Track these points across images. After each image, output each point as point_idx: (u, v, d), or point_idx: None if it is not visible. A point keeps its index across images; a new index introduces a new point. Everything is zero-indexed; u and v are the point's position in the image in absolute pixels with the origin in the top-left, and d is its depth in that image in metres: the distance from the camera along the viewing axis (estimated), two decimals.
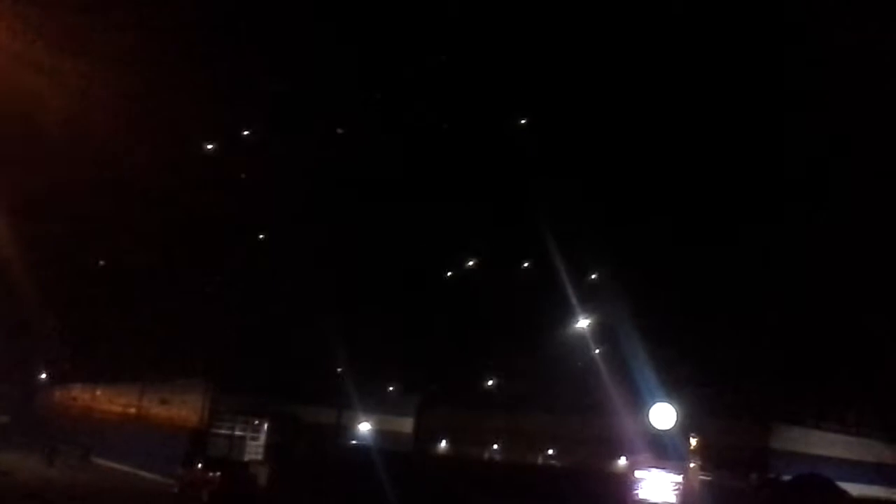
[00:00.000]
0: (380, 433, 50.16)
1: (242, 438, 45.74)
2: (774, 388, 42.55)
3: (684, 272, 47.49)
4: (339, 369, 45.60)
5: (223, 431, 46.22)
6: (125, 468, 47.92)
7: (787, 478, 36.86)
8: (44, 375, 75.63)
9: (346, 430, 48.11)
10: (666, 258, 48.42)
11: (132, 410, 58.39)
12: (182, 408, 50.79)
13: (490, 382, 48.66)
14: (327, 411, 46.38)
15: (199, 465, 37.24)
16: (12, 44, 31.15)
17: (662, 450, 33.50)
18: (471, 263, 47.67)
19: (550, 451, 48.77)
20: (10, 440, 49.58)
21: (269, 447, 44.31)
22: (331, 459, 41.07)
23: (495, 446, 51.12)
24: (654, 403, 32.73)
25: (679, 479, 31.61)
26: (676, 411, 32.28)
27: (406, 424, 53.33)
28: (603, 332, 43.15)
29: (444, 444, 53.03)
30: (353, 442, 48.56)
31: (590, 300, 43.50)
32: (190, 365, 49.64)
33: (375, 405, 50.94)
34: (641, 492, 32.57)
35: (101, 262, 56.13)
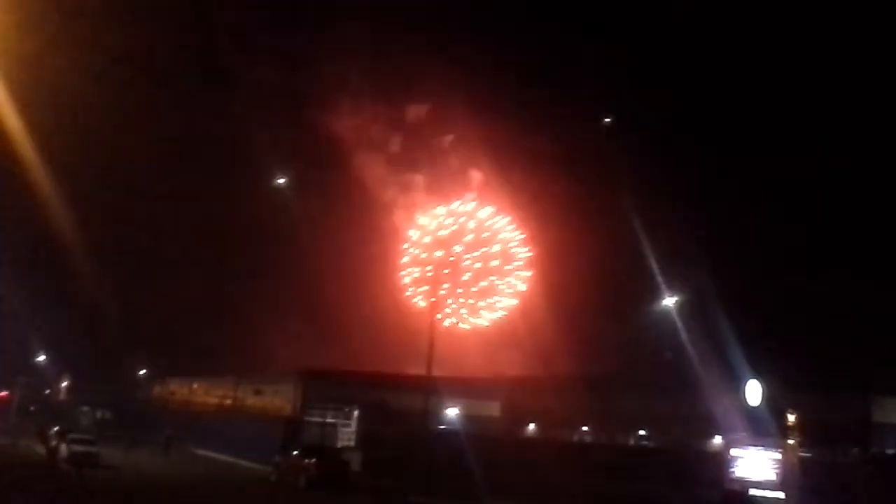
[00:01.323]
0: (468, 417, 50.31)
1: (334, 426, 46.46)
2: (873, 359, 41.02)
3: (776, 244, 46.28)
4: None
5: (316, 420, 47.06)
6: (224, 458, 49.25)
7: (890, 452, 35.57)
8: (143, 372, 78.47)
9: (435, 415, 48.36)
10: (756, 231, 47.32)
11: (228, 402, 59.98)
12: (275, 398, 51.94)
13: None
14: (415, 397, 46.68)
15: (295, 453, 38.05)
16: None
17: (758, 427, 32.72)
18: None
19: (642, 432, 48.14)
20: (113, 435, 51.38)
21: (361, 434, 44.91)
22: (420, 444, 41.38)
23: (585, 428, 50.72)
24: (747, 380, 32.03)
25: (777, 456, 30.85)
26: (763, 387, 31.47)
27: (493, 408, 53.35)
28: (693, 309, 42.33)
29: (532, 427, 52.88)
30: (442, 427, 48.82)
31: (678, 277, 42.77)
32: (282, 357, 50.68)
33: (462, 390, 51.14)
34: (738, 470, 31.95)
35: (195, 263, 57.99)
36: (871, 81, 46.50)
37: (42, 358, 72.44)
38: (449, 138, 52.11)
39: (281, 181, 48.01)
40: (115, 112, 44.35)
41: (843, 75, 47.45)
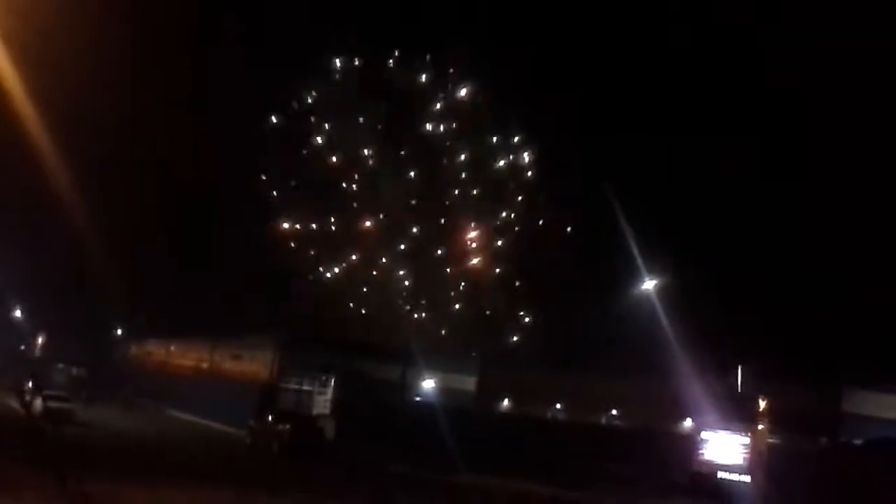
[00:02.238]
0: (443, 390, 50.71)
1: (310, 393, 46.74)
2: (846, 350, 41.66)
3: (756, 233, 46.72)
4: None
5: (292, 386, 47.30)
6: (199, 420, 49.46)
7: (857, 442, 36.22)
8: (119, 331, 78.29)
9: (411, 386, 48.71)
10: (737, 218, 47.71)
11: (205, 365, 60.07)
12: (252, 363, 52.05)
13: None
14: (392, 368, 46.96)
15: (270, 418, 38.28)
16: None
17: (730, 412, 33.28)
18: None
19: (614, 412, 48.74)
20: (88, 393, 51.50)
21: (336, 402, 45.19)
22: (395, 414, 41.71)
23: (558, 406, 51.28)
24: (724, 365, 32.53)
25: (746, 441, 31.44)
26: (743, 374, 32.00)
27: (469, 383, 53.75)
28: (671, 292, 42.67)
29: (506, 402, 53.37)
30: (417, 398, 49.20)
31: (658, 259, 43.04)
32: (260, 321, 50.73)
33: (439, 363, 51.52)
34: (707, 453, 32.53)
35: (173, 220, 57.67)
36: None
37: (18, 313, 72.12)
38: None
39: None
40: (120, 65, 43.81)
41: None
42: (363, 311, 46.80)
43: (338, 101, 46.46)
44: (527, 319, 47.49)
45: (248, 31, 51.86)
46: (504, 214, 47.65)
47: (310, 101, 47.12)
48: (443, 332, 47.25)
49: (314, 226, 46.68)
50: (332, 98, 46.71)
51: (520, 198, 47.66)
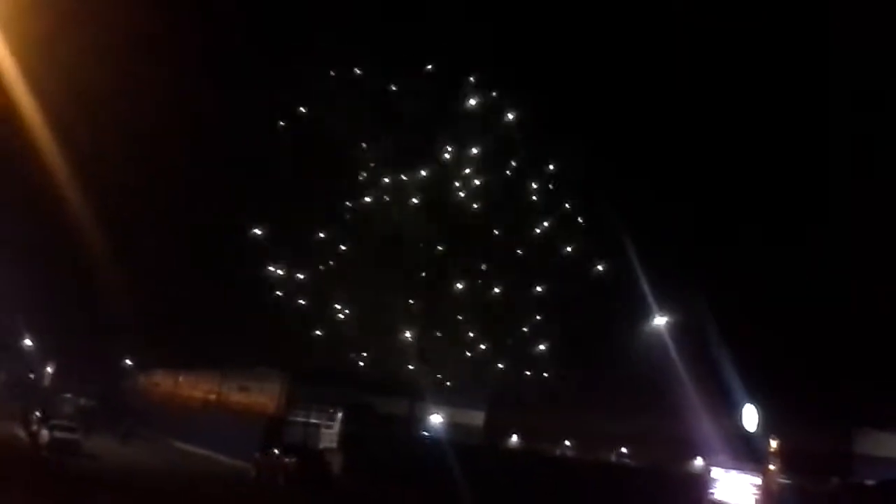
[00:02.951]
0: (451, 425, 50.39)
1: (317, 426, 46.51)
2: (859, 391, 41.22)
3: (768, 271, 46.50)
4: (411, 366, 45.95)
5: (299, 419, 47.09)
6: (205, 452, 49.22)
7: (870, 482, 35.68)
8: (129, 362, 78.30)
9: (419, 421, 48.45)
10: (750, 257, 47.55)
11: (212, 397, 59.93)
12: (260, 395, 51.94)
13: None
14: (400, 402, 46.75)
15: (276, 451, 38.08)
16: None
17: (741, 451, 32.83)
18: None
19: (624, 450, 48.28)
20: (97, 424, 51.40)
21: (343, 436, 44.94)
22: (403, 449, 41.42)
23: (567, 443, 50.83)
24: (736, 404, 32.12)
25: (757, 481, 30.97)
26: (759, 413, 31.59)
27: (477, 417, 53.44)
28: (681, 330, 42.45)
29: (514, 438, 52.96)
30: (425, 433, 48.88)
31: (669, 298, 42.88)
32: (269, 354, 50.63)
33: (448, 398, 51.29)
34: (717, 492, 32.05)
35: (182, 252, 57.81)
36: None
37: (28, 342, 72.29)
38: None
39: None
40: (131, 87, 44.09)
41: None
42: (370, 349, 46.64)
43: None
44: (540, 350, 47.20)
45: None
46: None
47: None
48: (447, 370, 46.95)
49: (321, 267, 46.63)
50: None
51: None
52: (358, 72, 46.12)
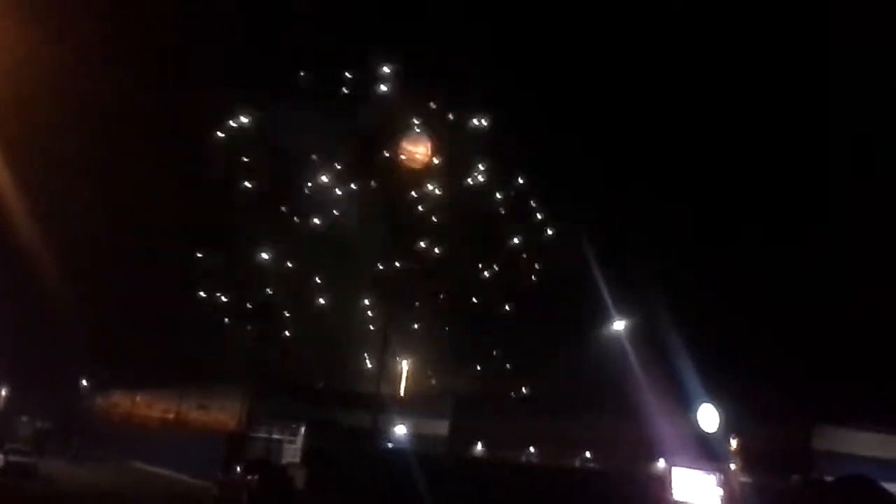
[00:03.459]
0: (416, 436, 50.13)
1: (280, 442, 45.96)
2: (817, 388, 41.87)
3: (726, 272, 47.14)
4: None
5: (261, 435, 46.51)
6: (166, 472, 48.41)
7: (829, 479, 36.16)
8: (84, 382, 76.78)
9: (382, 433, 48.13)
10: (710, 257, 48.15)
11: (171, 415, 58.98)
12: (220, 412, 51.22)
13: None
14: (363, 415, 46.44)
15: (238, 469, 37.48)
16: None
17: (702, 451, 33.07)
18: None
19: (588, 454, 48.36)
20: (52, 446, 50.42)
21: (306, 450, 44.45)
22: (367, 462, 41.10)
23: (532, 449, 50.82)
24: (695, 405, 32.32)
25: (719, 480, 31.20)
26: (720, 413, 31.83)
27: (441, 427, 53.20)
28: (641, 333, 42.79)
29: (479, 446, 52.82)
30: (389, 445, 48.58)
31: (629, 300, 43.25)
32: (227, 370, 50.05)
33: (411, 409, 50.99)
34: (679, 493, 32.23)
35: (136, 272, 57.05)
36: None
37: None
38: None
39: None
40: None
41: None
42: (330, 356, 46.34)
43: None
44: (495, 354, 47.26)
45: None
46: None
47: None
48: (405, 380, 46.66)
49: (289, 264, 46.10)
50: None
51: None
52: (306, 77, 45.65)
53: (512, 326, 46.42)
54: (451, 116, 46.43)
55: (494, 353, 47.14)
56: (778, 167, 48.47)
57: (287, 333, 45.51)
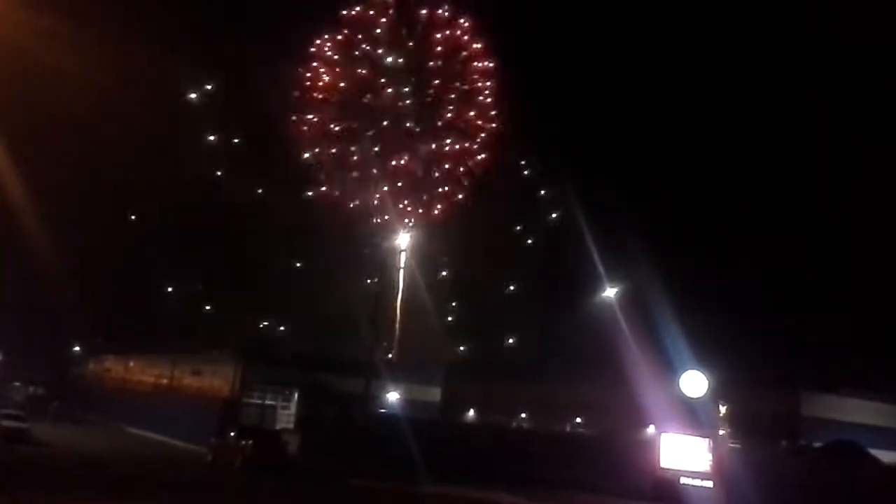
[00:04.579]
0: (408, 402, 50.48)
1: (273, 408, 46.24)
2: (805, 355, 42.25)
3: (716, 238, 47.25)
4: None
5: (254, 401, 46.74)
6: (160, 437, 48.65)
7: (817, 445, 36.64)
8: (77, 348, 76.84)
9: (375, 398, 48.44)
10: (699, 222, 48.24)
11: (164, 381, 59.12)
12: (214, 378, 51.37)
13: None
14: (356, 381, 46.70)
15: (232, 434, 37.71)
16: None
17: (692, 417, 33.43)
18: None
19: (578, 420, 48.80)
20: (46, 411, 50.57)
21: (300, 416, 44.74)
22: (359, 427, 41.43)
23: (523, 415, 51.24)
24: (684, 371, 32.64)
25: (707, 445, 31.62)
26: (708, 379, 32.11)
27: (434, 393, 53.60)
28: (632, 299, 42.99)
29: (471, 412, 53.24)
30: (382, 410, 48.92)
31: (619, 266, 43.38)
32: (221, 336, 50.16)
33: (404, 374, 51.26)
34: (669, 458, 32.66)
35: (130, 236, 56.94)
36: None
37: None
38: None
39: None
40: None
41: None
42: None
43: None
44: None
45: None
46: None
47: None
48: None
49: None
50: None
51: None
52: None
53: (506, 296, 46.63)
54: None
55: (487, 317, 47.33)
56: (777, 165, 48.67)
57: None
